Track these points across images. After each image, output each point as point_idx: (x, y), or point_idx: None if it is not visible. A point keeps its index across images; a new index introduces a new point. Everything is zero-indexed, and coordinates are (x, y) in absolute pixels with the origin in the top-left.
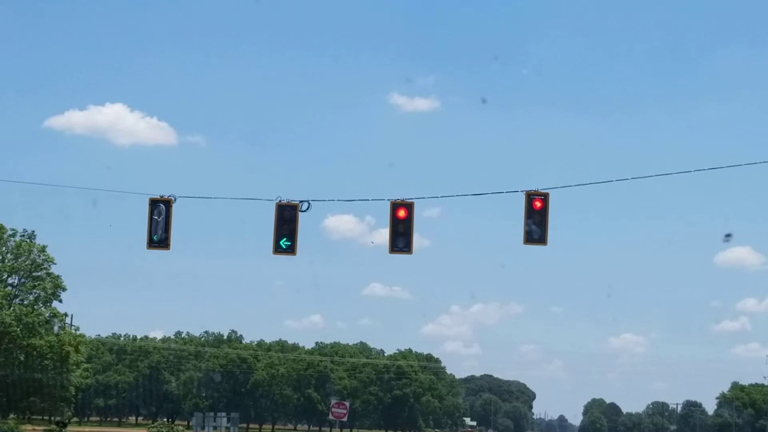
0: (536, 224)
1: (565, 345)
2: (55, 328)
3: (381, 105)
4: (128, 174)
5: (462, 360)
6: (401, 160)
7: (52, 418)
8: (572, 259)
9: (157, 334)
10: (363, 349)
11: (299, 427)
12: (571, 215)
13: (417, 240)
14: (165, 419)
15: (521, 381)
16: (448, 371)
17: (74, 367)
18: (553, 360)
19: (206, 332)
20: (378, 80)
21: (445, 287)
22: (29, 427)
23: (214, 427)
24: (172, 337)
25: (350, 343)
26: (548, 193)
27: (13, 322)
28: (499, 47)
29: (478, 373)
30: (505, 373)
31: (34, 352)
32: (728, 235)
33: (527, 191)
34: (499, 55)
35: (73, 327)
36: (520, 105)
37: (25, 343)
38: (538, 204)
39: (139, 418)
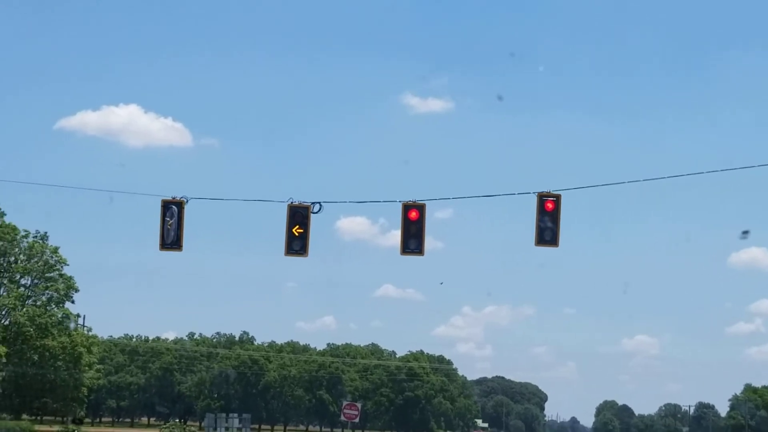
0: (548, 226)
1: (577, 347)
2: (71, 325)
3: (394, 106)
4: (142, 175)
5: (474, 362)
6: (414, 161)
7: (65, 418)
8: (585, 260)
9: (170, 335)
10: (375, 350)
11: (311, 428)
12: (584, 216)
13: (429, 242)
14: (177, 420)
15: (533, 383)
16: (460, 373)
17: (87, 367)
18: (566, 362)
19: (218, 333)
20: (391, 81)
21: (457, 289)
22: (44, 427)
23: (226, 428)
24: (185, 338)
25: (362, 345)
26: (560, 195)
27: (26, 322)
28: (514, 47)
29: (490, 375)
30: (517, 374)
31: (47, 353)
32: (746, 232)
33: (539, 193)
34: (516, 51)
35: (85, 328)
36: (533, 107)
37: (38, 343)
38: (549, 205)
39: (152, 419)
